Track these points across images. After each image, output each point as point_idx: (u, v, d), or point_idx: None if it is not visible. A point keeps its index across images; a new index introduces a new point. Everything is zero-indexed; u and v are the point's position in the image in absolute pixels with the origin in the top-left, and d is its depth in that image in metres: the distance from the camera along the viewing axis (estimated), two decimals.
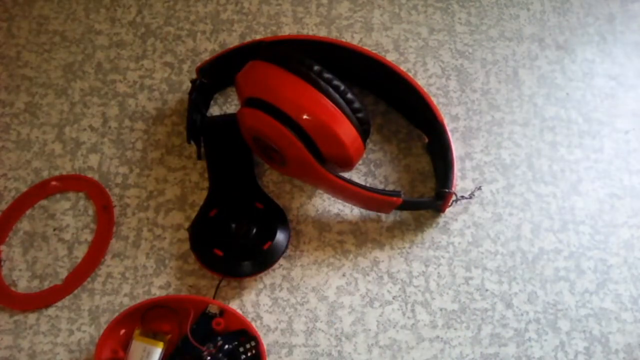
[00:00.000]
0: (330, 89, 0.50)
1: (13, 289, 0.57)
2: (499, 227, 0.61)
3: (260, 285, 0.57)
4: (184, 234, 0.59)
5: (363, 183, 0.62)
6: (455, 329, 0.56)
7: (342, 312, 0.56)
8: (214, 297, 0.55)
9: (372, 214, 0.60)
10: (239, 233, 0.55)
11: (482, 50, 0.70)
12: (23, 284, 0.57)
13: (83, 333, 0.55)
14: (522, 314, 0.57)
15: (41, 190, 0.61)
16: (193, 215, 0.58)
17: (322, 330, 0.55)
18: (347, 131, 0.51)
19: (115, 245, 0.59)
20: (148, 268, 0.57)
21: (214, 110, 0.66)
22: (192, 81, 0.61)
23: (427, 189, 0.62)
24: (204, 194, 0.60)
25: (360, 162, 0.62)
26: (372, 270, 0.58)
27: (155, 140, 0.64)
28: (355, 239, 0.59)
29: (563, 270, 0.59)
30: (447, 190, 0.57)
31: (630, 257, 0.60)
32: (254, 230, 0.55)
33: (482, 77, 0.69)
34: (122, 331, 0.52)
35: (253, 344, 0.51)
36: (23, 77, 0.67)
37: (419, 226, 0.60)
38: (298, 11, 0.72)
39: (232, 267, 0.55)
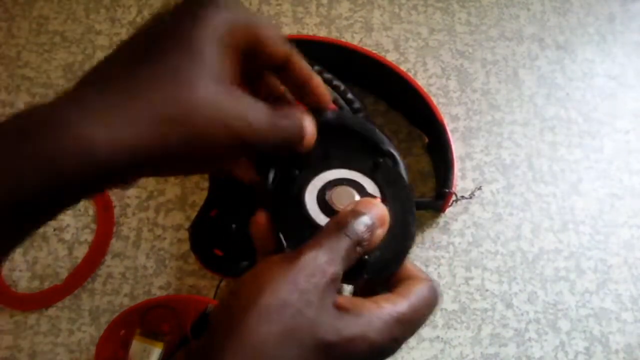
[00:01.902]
0: (330, 89, 0.50)
1: (13, 289, 0.57)
2: (499, 227, 0.61)
3: None
4: (184, 234, 0.59)
5: None
6: (455, 329, 0.56)
7: None
8: (214, 297, 0.55)
9: None
10: (239, 233, 0.55)
11: (482, 50, 0.70)
12: (23, 284, 0.57)
13: (83, 333, 0.55)
14: (522, 314, 0.57)
15: None
16: (193, 215, 0.58)
17: None
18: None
19: (115, 245, 0.59)
20: (148, 268, 0.57)
21: None
22: None
23: (427, 189, 0.62)
24: (204, 194, 0.60)
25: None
26: None
27: None
28: None
29: (563, 270, 0.59)
30: (447, 190, 0.57)
31: (630, 257, 0.60)
32: None
33: (482, 77, 0.69)
34: (122, 331, 0.52)
35: None
36: (23, 77, 0.67)
37: (419, 226, 0.60)
38: (298, 11, 0.72)
39: (232, 267, 0.55)
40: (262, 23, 0.25)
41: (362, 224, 0.25)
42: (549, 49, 0.71)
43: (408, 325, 0.25)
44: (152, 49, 0.23)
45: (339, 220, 0.25)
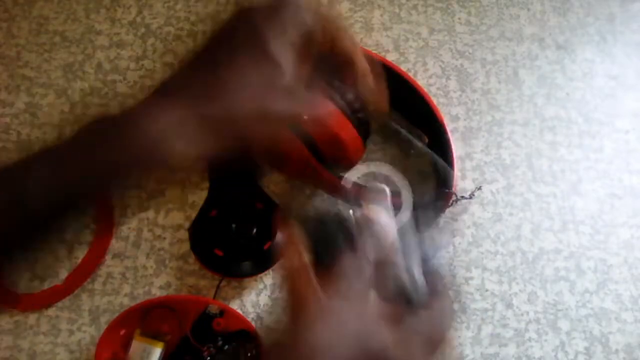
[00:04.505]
0: (331, 89, 0.50)
1: (13, 289, 0.57)
2: (499, 227, 0.61)
3: (261, 286, 0.57)
4: (184, 234, 0.59)
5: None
6: (455, 329, 0.56)
7: None
8: (214, 297, 0.55)
9: None
10: (239, 233, 0.55)
11: (482, 50, 0.70)
12: (23, 284, 0.57)
13: (83, 333, 0.55)
14: (522, 314, 0.57)
15: None
16: (193, 215, 0.58)
17: None
18: (347, 131, 0.51)
19: (115, 245, 0.59)
20: (148, 268, 0.57)
21: None
22: None
23: (427, 188, 0.62)
24: (204, 194, 0.60)
25: (360, 162, 0.62)
26: None
27: None
28: None
29: (563, 270, 0.59)
30: (447, 190, 0.57)
31: (630, 257, 0.60)
32: (254, 230, 0.55)
33: (482, 77, 0.69)
34: (122, 331, 0.52)
35: (253, 344, 0.51)
36: (23, 77, 0.67)
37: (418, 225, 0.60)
38: None
39: (232, 267, 0.55)
40: (337, 25, 0.28)
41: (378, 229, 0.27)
42: (549, 49, 0.71)
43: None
44: (228, 58, 0.25)
45: (358, 229, 0.27)
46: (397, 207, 0.30)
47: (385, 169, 0.31)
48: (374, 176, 0.30)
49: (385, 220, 0.27)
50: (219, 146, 0.24)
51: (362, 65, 0.30)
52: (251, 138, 0.25)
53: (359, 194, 0.30)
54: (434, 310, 0.27)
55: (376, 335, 0.24)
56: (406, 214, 0.30)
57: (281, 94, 0.25)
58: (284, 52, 0.25)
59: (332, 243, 0.28)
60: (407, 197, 0.30)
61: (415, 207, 0.60)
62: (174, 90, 0.25)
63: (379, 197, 0.29)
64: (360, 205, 0.29)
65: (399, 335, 0.24)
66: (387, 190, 0.29)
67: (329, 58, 0.29)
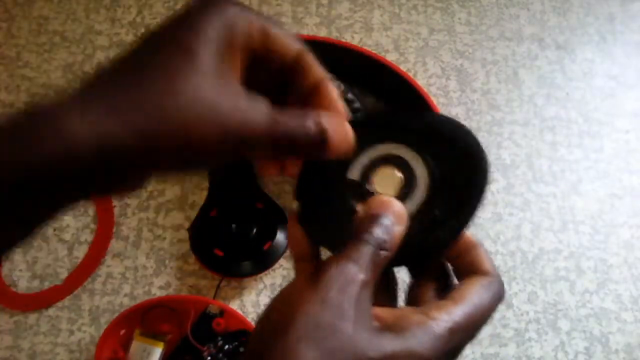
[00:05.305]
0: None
1: (13, 289, 0.57)
2: (499, 227, 0.60)
3: (261, 286, 0.57)
4: (184, 234, 0.59)
5: None
6: None
7: None
8: (214, 297, 0.55)
9: None
10: (239, 233, 0.55)
11: (482, 50, 0.70)
12: (23, 284, 0.57)
13: (83, 333, 0.55)
14: (522, 314, 0.57)
15: None
16: (193, 215, 0.58)
17: None
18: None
19: (115, 245, 0.59)
20: (148, 268, 0.57)
21: None
22: None
23: None
24: (204, 194, 0.60)
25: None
26: None
27: None
28: None
29: (563, 270, 0.59)
30: None
31: (630, 257, 0.60)
32: (254, 230, 0.55)
33: (482, 77, 0.69)
34: (122, 331, 0.52)
35: None
36: (23, 77, 0.67)
37: None
38: (298, 11, 0.72)
39: (232, 267, 0.55)
40: (269, 21, 0.24)
41: (379, 227, 0.24)
42: (549, 49, 0.71)
43: (463, 335, 0.24)
44: (147, 53, 0.23)
45: (356, 228, 0.24)
46: (411, 190, 0.28)
47: (397, 150, 0.28)
48: (383, 159, 0.28)
49: (398, 209, 0.25)
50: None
51: (317, 71, 0.25)
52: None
53: (366, 184, 0.28)
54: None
55: (372, 346, 0.21)
56: (420, 195, 0.28)
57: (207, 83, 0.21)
58: (204, 44, 0.22)
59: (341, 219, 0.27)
60: (422, 177, 0.28)
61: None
62: (97, 88, 0.23)
63: (390, 184, 0.27)
64: (366, 196, 0.27)
65: (407, 343, 0.21)
66: (399, 175, 0.27)
67: (265, 66, 0.24)
